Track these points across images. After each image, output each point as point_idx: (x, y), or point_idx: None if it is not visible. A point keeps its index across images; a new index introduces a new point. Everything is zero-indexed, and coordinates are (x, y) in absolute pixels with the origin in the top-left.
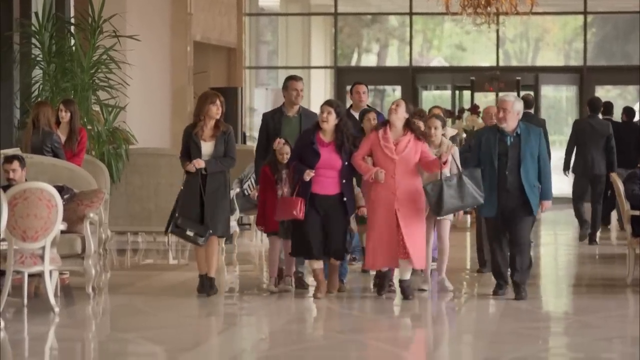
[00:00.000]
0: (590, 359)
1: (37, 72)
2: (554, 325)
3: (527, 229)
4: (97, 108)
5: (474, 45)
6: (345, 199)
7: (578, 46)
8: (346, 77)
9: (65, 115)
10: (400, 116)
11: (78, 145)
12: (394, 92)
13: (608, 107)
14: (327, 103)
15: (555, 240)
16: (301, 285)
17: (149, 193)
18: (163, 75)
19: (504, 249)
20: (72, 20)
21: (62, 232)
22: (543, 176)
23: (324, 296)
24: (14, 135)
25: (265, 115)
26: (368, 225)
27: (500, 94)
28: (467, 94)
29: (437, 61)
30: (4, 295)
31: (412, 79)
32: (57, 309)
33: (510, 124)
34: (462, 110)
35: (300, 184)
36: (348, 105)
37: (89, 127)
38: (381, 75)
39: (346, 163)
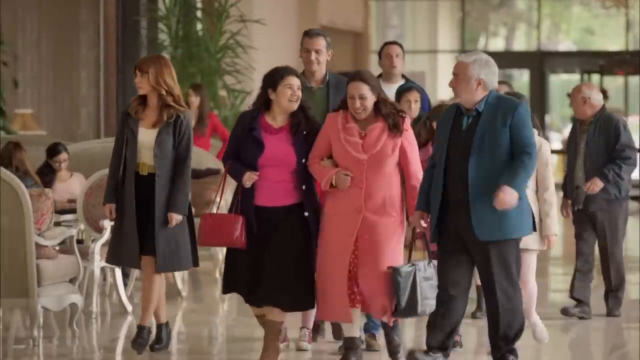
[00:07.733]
0: None
1: None
2: None
3: (507, 263)
4: (223, 93)
5: (602, 29)
6: (306, 213)
7: None
8: None
9: (195, 100)
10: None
11: (208, 129)
12: (522, 77)
13: None
14: (293, 73)
15: None
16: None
17: None
18: (289, 60)
19: (453, 299)
20: (199, 5)
21: None
22: (514, 169)
23: None
24: None
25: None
26: (317, 253)
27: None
28: (595, 78)
29: (565, 45)
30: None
31: (540, 63)
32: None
33: (466, 96)
34: None
35: (240, 195)
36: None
37: (216, 111)
38: (509, 59)
39: (303, 160)
